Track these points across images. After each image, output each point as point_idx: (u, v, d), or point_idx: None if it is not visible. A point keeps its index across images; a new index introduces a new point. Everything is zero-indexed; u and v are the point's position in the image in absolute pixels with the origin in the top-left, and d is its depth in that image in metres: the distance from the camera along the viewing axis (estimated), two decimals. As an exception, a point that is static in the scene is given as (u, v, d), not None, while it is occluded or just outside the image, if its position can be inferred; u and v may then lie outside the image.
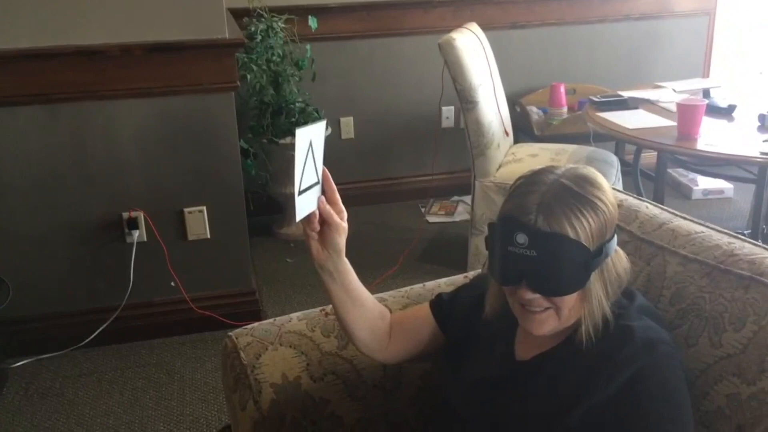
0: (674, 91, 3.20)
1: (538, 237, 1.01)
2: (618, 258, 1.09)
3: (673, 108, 2.77)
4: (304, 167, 1.04)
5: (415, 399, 1.46)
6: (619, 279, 1.09)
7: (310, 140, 1.05)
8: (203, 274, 2.65)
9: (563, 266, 1.02)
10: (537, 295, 1.04)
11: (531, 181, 1.06)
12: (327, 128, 1.04)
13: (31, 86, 2.31)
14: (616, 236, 1.08)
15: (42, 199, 2.44)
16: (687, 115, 2.58)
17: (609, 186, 1.09)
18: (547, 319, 1.06)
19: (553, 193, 1.03)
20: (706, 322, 1.13)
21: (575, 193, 1.03)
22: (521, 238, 1.01)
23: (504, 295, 1.12)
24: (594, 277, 1.04)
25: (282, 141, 3.20)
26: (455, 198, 3.83)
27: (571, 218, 1.01)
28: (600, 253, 1.04)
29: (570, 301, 1.05)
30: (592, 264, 1.03)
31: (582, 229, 1.01)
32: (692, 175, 3.83)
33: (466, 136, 2.90)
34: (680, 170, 3.87)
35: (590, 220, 1.02)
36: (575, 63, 3.91)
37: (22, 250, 2.48)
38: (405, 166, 3.87)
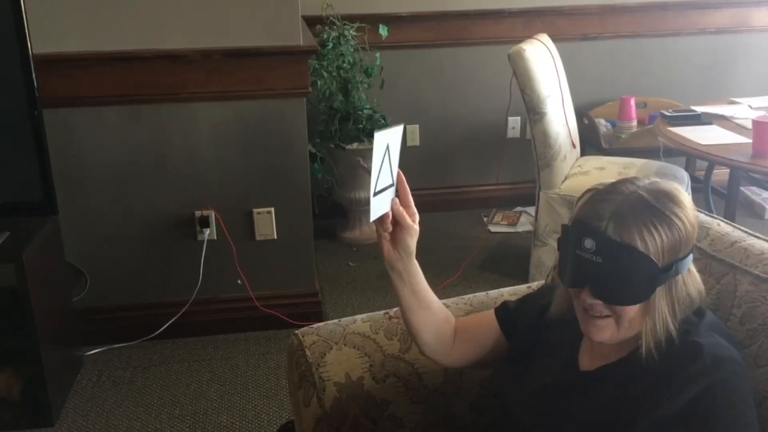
0: (750, 107, 3.12)
1: (605, 244, 1.01)
2: (691, 278, 1.08)
3: (749, 125, 2.70)
4: (380, 169, 1.07)
5: (474, 405, 1.47)
6: (689, 299, 1.07)
7: (387, 143, 1.08)
8: (269, 274, 2.72)
9: (627, 277, 1.02)
10: (598, 301, 1.05)
11: (609, 189, 1.07)
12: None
13: (116, 88, 2.43)
14: (691, 256, 1.07)
15: (121, 195, 2.56)
16: (763, 132, 2.51)
17: (692, 205, 1.07)
18: (606, 326, 1.06)
19: (629, 203, 1.03)
20: (778, 343, 1.11)
21: (652, 206, 1.03)
22: (589, 243, 1.02)
23: (569, 298, 1.13)
24: (660, 292, 1.04)
25: (349, 146, 3.26)
26: (518, 208, 3.81)
27: (642, 231, 1.01)
28: (669, 269, 1.03)
29: (631, 312, 1.04)
30: (658, 279, 1.02)
31: (653, 243, 1.01)
32: (766, 194, 3.71)
33: (533, 147, 2.90)
34: (753, 188, 3.76)
35: (663, 235, 1.01)
36: (647, 76, 3.84)
37: (101, 243, 2.60)
38: (469, 175, 3.87)
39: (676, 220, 1.03)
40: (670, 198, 1.04)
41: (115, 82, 2.42)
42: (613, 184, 1.08)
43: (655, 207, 1.03)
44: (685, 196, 1.07)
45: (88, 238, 2.59)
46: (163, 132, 2.52)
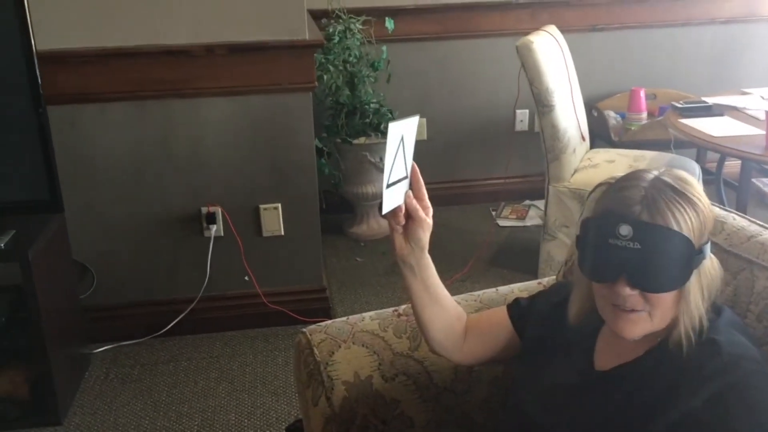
0: (762, 98, 3.08)
1: (642, 229, 1.00)
2: (712, 264, 1.08)
3: (761, 116, 2.67)
4: (393, 161, 1.04)
5: (485, 403, 1.45)
6: (715, 283, 1.07)
7: (401, 135, 1.05)
8: (276, 270, 2.70)
9: (667, 260, 1.00)
10: (634, 292, 1.02)
11: (629, 177, 1.07)
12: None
13: (121, 84, 2.41)
14: (709, 240, 1.07)
15: (127, 191, 2.54)
16: (776, 124, 2.48)
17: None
18: (639, 320, 1.04)
19: (656, 188, 1.03)
20: (797, 340, 1.09)
21: (677, 189, 1.03)
22: (625, 230, 1.00)
23: (591, 299, 1.11)
24: (693, 277, 1.03)
25: (356, 141, 3.23)
26: (527, 202, 3.78)
27: (675, 212, 1.01)
28: (701, 251, 1.03)
29: (666, 301, 1.02)
30: (694, 261, 1.02)
31: (685, 223, 1.01)
32: (778, 185, 3.67)
33: (541, 140, 2.87)
34: (765, 180, 3.72)
35: (692, 216, 1.02)
36: (656, 67, 3.80)
37: (107, 240, 2.59)
38: (477, 168, 3.84)
39: (699, 203, 1.03)
40: (688, 183, 1.05)
41: (119, 78, 2.40)
42: (628, 175, 1.08)
43: (680, 190, 1.03)
44: (699, 183, 1.08)
45: (95, 236, 2.57)
46: (168, 128, 2.50)
